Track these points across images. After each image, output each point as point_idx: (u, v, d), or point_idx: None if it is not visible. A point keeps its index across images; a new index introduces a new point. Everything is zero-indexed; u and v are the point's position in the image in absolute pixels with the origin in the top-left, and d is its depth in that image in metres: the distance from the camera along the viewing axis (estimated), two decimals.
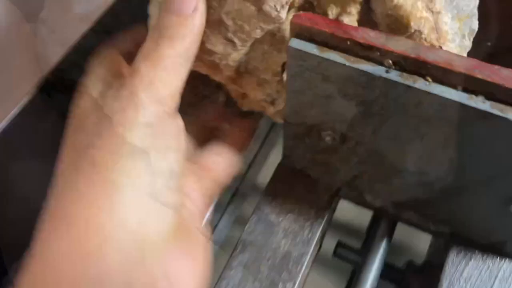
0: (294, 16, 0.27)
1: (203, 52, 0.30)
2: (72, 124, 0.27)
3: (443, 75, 0.25)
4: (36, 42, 0.37)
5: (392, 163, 0.31)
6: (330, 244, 0.40)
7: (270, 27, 0.28)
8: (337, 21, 0.27)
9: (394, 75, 0.26)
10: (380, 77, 0.26)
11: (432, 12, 0.27)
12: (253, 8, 0.27)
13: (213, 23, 0.28)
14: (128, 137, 0.24)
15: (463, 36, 0.28)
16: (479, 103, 0.25)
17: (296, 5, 0.28)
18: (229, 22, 0.28)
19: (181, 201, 0.27)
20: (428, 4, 0.27)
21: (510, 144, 0.26)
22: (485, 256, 0.34)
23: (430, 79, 0.26)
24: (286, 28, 0.29)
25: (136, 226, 0.24)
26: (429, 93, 0.26)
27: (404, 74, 0.26)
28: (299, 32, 0.28)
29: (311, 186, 0.36)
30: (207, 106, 0.36)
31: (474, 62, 0.25)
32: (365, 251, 0.37)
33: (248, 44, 0.29)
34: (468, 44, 0.29)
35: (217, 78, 0.32)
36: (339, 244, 0.40)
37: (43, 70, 0.35)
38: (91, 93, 0.27)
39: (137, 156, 0.25)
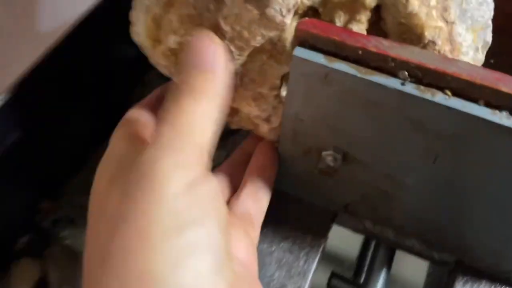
0: (299, 22, 0.25)
1: None
2: (93, 211, 0.23)
3: (464, 88, 0.23)
4: None
5: (398, 184, 0.29)
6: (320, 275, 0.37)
7: (272, 34, 0.25)
8: (347, 28, 0.25)
9: (410, 88, 0.24)
10: (394, 90, 0.24)
11: (447, 22, 0.25)
12: (255, 12, 0.24)
13: (208, 29, 0.25)
14: (158, 216, 0.20)
15: (477, 49, 0.26)
16: (504, 119, 0.23)
17: (299, 11, 0.26)
18: (226, 28, 0.25)
19: (232, 269, 0.23)
20: (443, 13, 0.25)
21: None
22: (493, 287, 0.31)
23: (449, 93, 0.24)
24: (288, 37, 0.26)
25: None
26: (448, 108, 0.24)
27: (421, 87, 0.24)
28: (304, 40, 0.25)
29: (305, 211, 0.33)
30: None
31: (498, 74, 0.23)
32: (364, 284, 0.34)
33: (246, 53, 0.26)
34: (481, 57, 0.27)
35: None
36: (334, 275, 0.37)
37: None
38: (109, 168, 0.23)
39: (172, 236, 0.20)
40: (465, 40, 0.26)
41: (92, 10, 0.38)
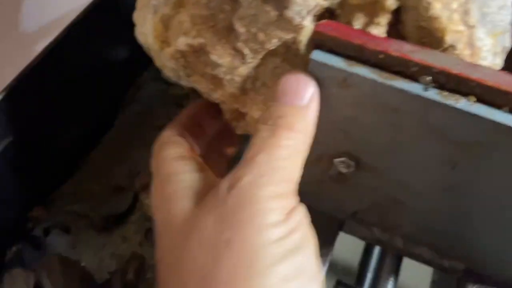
0: (317, 24, 0.24)
1: (205, 64, 0.26)
2: (169, 229, 0.23)
3: (489, 94, 0.23)
4: None
5: (410, 192, 0.28)
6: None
7: (288, 37, 0.24)
8: (367, 31, 0.24)
9: (433, 94, 0.23)
10: (415, 96, 0.23)
11: (468, 25, 0.24)
12: (273, 13, 0.23)
13: (221, 31, 0.24)
14: (263, 242, 0.21)
15: (495, 54, 0.26)
16: None
17: (315, 13, 0.25)
18: (241, 30, 0.24)
19: None
20: (464, 16, 0.24)
21: None
22: None
23: (473, 99, 0.23)
24: (303, 39, 0.25)
25: None
26: (471, 115, 0.23)
27: (444, 92, 0.23)
28: (321, 43, 0.24)
29: (312, 219, 0.32)
30: None
31: None
32: None
33: (260, 56, 0.25)
34: (499, 63, 0.26)
35: (216, 95, 0.27)
36: (339, 283, 0.36)
37: None
38: (174, 188, 0.24)
39: (278, 262, 0.21)
40: (485, 45, 0.25)
41: (84, 12, 0.37)
